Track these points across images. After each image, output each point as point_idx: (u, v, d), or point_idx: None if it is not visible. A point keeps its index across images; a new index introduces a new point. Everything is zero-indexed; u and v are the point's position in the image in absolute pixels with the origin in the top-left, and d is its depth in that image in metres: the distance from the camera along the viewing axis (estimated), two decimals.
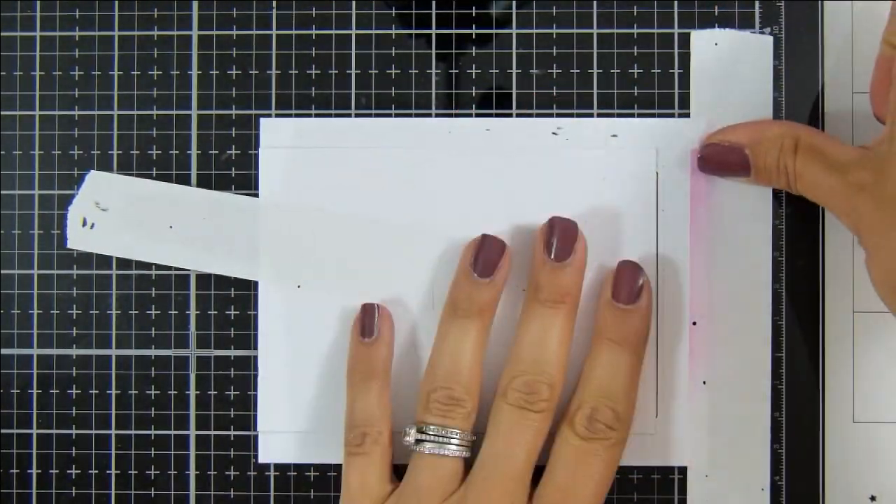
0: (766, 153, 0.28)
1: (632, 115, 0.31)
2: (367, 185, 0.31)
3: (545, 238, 0.29)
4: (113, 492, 0.31)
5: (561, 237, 0.28)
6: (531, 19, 0.31)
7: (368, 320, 0.30)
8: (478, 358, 0.29)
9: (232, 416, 0.31)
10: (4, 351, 0.32)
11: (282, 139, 0.31)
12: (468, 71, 0.31)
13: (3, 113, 0.32)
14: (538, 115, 0.31)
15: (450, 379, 0.28)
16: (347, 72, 0.32)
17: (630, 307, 0.28)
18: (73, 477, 0.31)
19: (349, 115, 0.31)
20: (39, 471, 0.32)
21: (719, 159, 0.29)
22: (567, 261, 0.28)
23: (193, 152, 0.32)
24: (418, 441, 0.28)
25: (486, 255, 0.29)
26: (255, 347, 0.31)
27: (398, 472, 0.30)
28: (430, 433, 0.28)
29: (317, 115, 0.31)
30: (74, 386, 0.31)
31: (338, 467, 0.31)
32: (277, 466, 0.31)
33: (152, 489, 0.31)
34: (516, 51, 0.31)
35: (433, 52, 0.32)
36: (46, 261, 0.32)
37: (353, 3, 0.32)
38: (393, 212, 0.31)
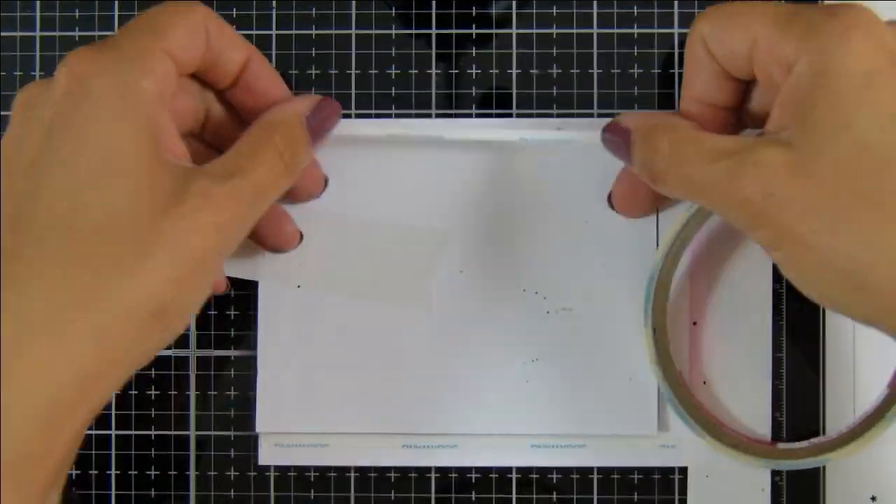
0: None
1: None
2: (366, 185, 0.31)
3: None
4: (113, 492, 0.31)
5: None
6: (531, 19, 0.31)
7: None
8: None
9: (232, 416, 0.31)
10: None
11: None
12: (468, 71, 0.31)
13: (3, 113, 0.32)
14: (538, 115, 0.31)
15: None
16: (347, 72, 0.32)
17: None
18: (74, 477, 0.31)
19: (349, 116, 0.31)
20: None
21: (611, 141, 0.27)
22: None
23: None
24: None
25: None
26: (255, 347, 0.31)
27: None
28: None
29: None
30: None
31: (338, 468, 0.31)
32: (277, 467, 0.31)
33: (152, 489, 0.31)
34: (516, 51, 0.31)
35: (433, 52, 0.32)
36: None
37: (353, 3, 0.32)
38: (392, 212, 0.31)
